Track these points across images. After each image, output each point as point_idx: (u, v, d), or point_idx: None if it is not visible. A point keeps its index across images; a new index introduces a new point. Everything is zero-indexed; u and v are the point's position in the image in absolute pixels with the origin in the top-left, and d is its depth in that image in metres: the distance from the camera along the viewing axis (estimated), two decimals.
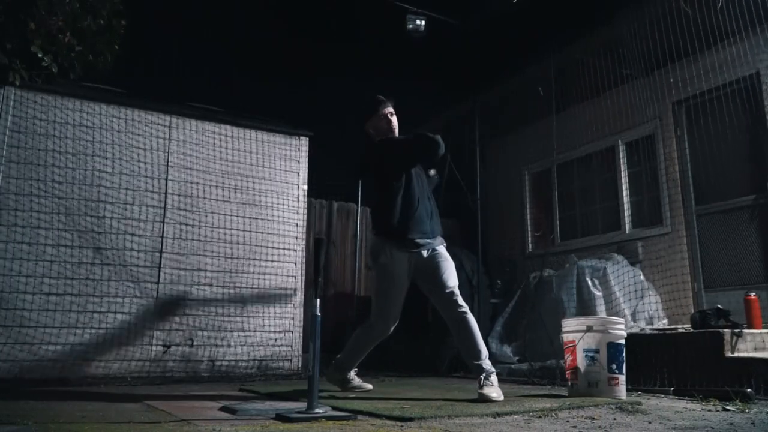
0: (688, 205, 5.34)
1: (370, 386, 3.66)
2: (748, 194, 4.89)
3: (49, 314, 4.14)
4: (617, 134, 5.95)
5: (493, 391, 3.06)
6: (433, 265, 3.38)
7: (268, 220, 5.09)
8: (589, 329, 3.28)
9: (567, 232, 6.50)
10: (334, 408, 2.60)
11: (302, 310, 5.08)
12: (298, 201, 5.27)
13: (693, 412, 2.68)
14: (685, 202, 5.35)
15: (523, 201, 7.06)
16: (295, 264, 5.14)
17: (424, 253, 3.38)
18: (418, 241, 3.37)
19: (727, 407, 2.81)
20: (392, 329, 3.47)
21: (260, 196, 5.10)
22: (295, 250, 5.17)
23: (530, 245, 6.88)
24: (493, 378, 3.18)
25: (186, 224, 4.73)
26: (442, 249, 3.46)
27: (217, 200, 4.90)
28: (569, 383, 3.35)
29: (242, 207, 5.00)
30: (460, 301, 3.34)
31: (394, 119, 3.63)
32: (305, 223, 5.30)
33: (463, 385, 4.21)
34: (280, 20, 6.27)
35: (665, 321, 5.00)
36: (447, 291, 3.33)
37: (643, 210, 5.77)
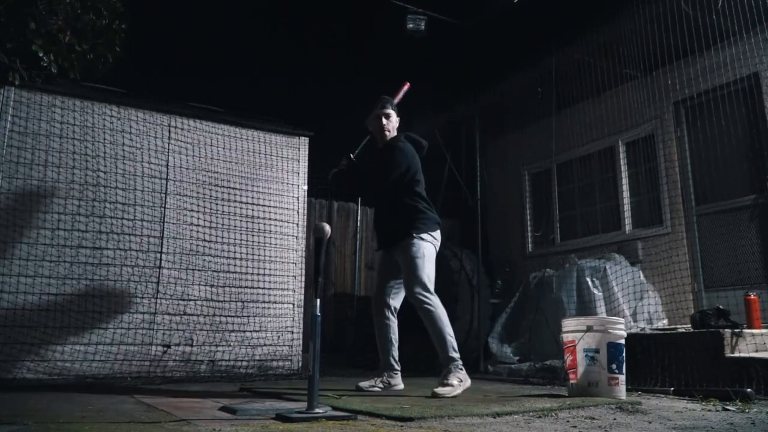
0: (688, 205, 5.34)
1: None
2: (748, 194, 4.89)
3: (49, 314, 4.13)
4: (617, 134, 5.95)
5: (449, 389, 3.27)
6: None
7: (268, 219, 5.09)
8: (589, 329, 3.29)
9: (567, 232, 6.50)
10: (334, 408, 2.60)
11: (302, 310, 5.07)
12: (298, 201, 5.27)
13: (693, 412, 2.68)
14: (685, 202, 5.35)
15: (523, 201, 7.07)
16: (295, 264, 5.14)
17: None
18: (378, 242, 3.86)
19: (727, 407, 2.81)
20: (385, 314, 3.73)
21: (260, 195, 5.09)
22: (296, 250, 5.17)
23: (530, 245, 6.88)
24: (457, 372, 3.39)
25: (186, 224, 4.73)
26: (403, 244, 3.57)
27: (217, 200, 4.90)
28: (569, 383, 3.35)
29: (242, 207, 5.00)
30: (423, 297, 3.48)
31: (385, 121, 3.68)
32: (305, 223, 5.29)
33: None
34: (280, 20, 6.27)
35: (665, 321, 5.00)
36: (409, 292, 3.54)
37: (643, 210, 5.77)
